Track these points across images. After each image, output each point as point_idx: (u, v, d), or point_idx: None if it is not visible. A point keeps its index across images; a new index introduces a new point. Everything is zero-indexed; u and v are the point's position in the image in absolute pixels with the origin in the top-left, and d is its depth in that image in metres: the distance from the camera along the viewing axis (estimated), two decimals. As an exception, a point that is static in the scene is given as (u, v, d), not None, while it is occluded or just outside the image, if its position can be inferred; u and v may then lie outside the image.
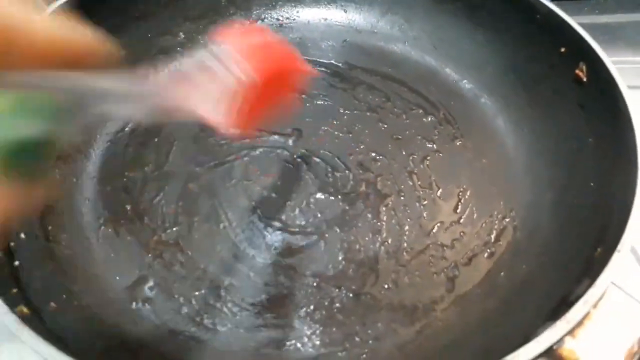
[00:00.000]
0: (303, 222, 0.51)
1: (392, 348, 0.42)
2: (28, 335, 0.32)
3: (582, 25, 0.51)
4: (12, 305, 0.35)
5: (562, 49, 0.53)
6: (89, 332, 0.40)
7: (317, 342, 0.43)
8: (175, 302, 0.45)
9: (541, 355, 0.33)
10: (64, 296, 0.43)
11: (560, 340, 0.33)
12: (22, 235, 0.45)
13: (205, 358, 0.41)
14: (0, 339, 0.44)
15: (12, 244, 0.43)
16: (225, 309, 0.45)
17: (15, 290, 0.39)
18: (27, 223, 0.46)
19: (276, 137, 0.57)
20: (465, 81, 0.62)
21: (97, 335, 0.41)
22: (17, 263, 0.42)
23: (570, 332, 0.33)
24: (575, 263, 0.41)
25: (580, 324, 0.33)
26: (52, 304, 0.41)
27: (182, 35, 0.65)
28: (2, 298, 0.34)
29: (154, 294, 0.45)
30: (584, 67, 0.51)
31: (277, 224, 0.50)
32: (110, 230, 0.50)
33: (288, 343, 0.43)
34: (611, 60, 0.48)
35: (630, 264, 0.50)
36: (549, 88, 0.55)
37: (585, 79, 0.51)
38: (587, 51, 0.50)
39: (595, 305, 0.34)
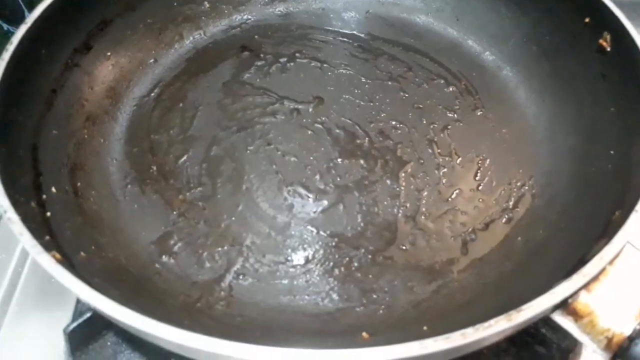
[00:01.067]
0: (322, 186, 0.52)
1: (407, 305, 0.43)
2: (62, 274, 0.34)
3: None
4: (46, 249, 0.36)
5: (587, 19, 0.53)
6: (117, 281, 0.42)
7: (336, 297, 0.44)
8: (199, 257, 0.46)
9: (557, 307, 0.34)
10: (93, 247, 0.44)
11: (575, 294, 0.33)
12: (53, 189, 0.46)
13: (227, 308, 0.43)
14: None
15: (44, 196, 0.45)
16: (247, 265, 0.46)
17: (48, 238, 0.40)
18: (58, 178, 0.48)
19: (298, 104, 0.58)
20: (487, 53, 0.62)
21: (124, 284, 0.42)
22: (49, 214, 0.44)
23: (586, 286, 0.34)
24: (593, 227, 0.41)
25: (595, 279, 0.34)
26: (82, 253, 0.42)
27: (206, 4, 0.66)
28: (38, 242, 0.36)
29: (178, 248, 0.47)
30: (608, 37, 0.51)
31: (297, 186, 0.51)
32: (136, 188, 0.51)
33: (307, 297, 0.44)
34: (636, 31, 0.48)
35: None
36: (571, 58, 0.55)
37: (609, 49, 0.51)
38: (611, 21, 0.50)
39: (611, 262, 0.35)
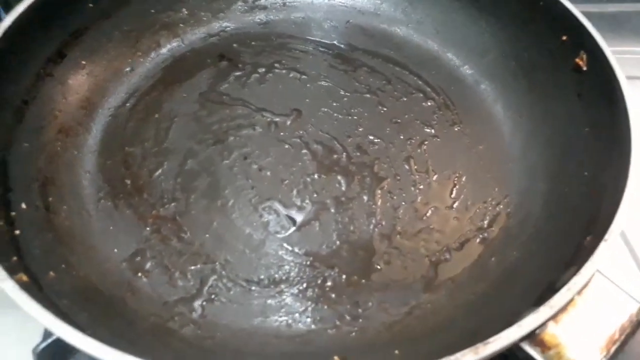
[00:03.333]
0: (299, 202, 0.51)
1: (380, 327, 0.43)
2: (26, 302, 0.33)
3: (588, 14, 0.51)
4: (11, 272, 0.36)
5: (564, 37, 0.53)
6: (86, 302, 0.41)
7: (308, 319, 0.44)
8: (171, 275, 0.46)
9: (524, 338, 0.34)
10: (63, 266, 0.44)
11: (543, 325, 0.34)
12: (23, 205, 0.46)
13: (198, 330, 0.42)
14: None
15: (13, 213, 0.44)
16: (220, 284, 0.46)
17: (15, 259, 0.40)
18: (28, 193, 0.47)
19: (275, 116, 0.57)
20: (466, 67, 0.62)
21: (94, 305, 0.42)
22: (17, 232, 0.43)
23: (554, 317, 0.34)
24: (564, 250, 0.42)
25: (563, 309, 0.34)
26: (51, 273, 0.42)
27: (185, 11, 0.65)
28: (2, 265, 0.35)
29: (150, 266, 0.46)
30: (585, 56, 0.51)
31: (273, 203, 0.51)
32: (109, 203, 0.50)
33: (279, 319, 0.44)
34: (614, 50, 0.48)
35: (620, 252, 0.51)
36: (548, 75, 0.55)
37: (585, 68, 0.51)
38: (588, 40, 0.50)
39: (579, 292, 0.35)
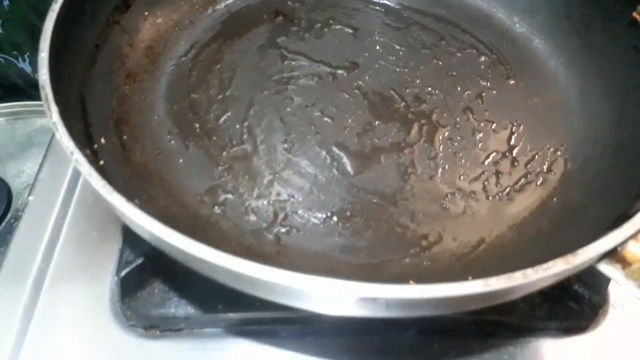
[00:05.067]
0: (361, 147, 0.53)
1: (451, 258, 0.45)
2: (132, 211, 0.35)
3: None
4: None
5: (620, -7, 0.54)
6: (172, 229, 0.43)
7: (380, 250, 0.45)
8: (246, 209, 0.48)
9: (606, 255, 0.35)
10: (144, 196, 0.45)
11: (624, 242, 0.35)
12: (102, 140, 0.47)
13: (277, 255, 0.44)
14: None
15: (95, 146, 0.46)
16: (292, 219, 0.47)
17: (105, 183, 0.41)
18: (105, 130, 0.49)
19: (333, 68, 0.59)
20: (517, 25, 0.64)
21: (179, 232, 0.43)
22: (102, 162, 0.44)
23: (634, 235, 0.35)
24: (630, 188, 0.43)
25: (643, 229, 0.36)
26: (136, 200, 0.43)
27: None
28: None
29: (226, 200, 0.48)
30: (642, 10, 0.52)
31: (337, 146, 0.53)
32: (180, 144, 0.52)
33: (352, 250, 0.45)
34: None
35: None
36: (603, 31, 0.56)
37: (642, 22, 0.52)
38: (646, -6, 0.51)
39: (658, 215, 0.36)
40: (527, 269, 0.33)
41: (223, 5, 0.65)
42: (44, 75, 0.42)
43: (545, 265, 0.33)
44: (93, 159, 0.44)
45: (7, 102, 0.80)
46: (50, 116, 0.40)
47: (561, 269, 0.33)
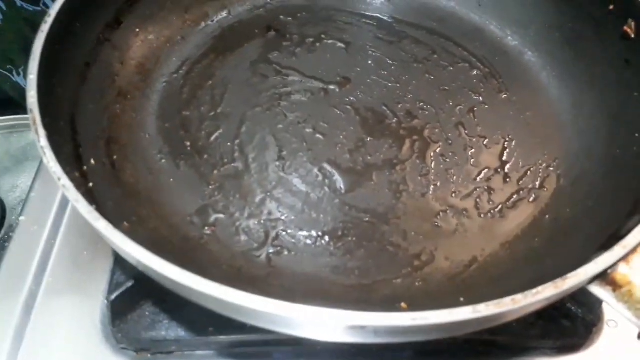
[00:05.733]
0: (353, 164, 0.53)
1: (443, 279, 0.45)
2: (121, 239, 0.35)
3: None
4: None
5: (611, 6, 0.54)
6: (160, 252, 0.42)
7: (373, 270, 0.45)
8: (237, 229, 0.47)
9: (596, 277, 0.35)
10: (134, 218, 0.45)
11: (615, 265, 0.35)
12: (92, 161, 0.47)
13: (267, 277, 0.44)
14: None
15: (85, 167, 0.46)
16: (283, 238, 0.47)
17: (94, 207, 0.41)
18: (95, 150, 0.49)
19: (325, 84, 0.59)
20: (510, 38, 0.64)
21: (167, 255, 0.43)
22: (91, 185, 0.44)
23: (625, 257, 0.35)
24: (623, 204, 0.43)
25: (634, 251, 0.35)
26: (125, 223, 0.43)
27: (232, -17, 0.66)
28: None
29: (217, 220, 0.48)
30: (633, 24, 0.52)
31: (328, 164, 0.52)
32: (171, 163, 0.52)
33: (344, 270, 0.45)
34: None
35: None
36: (595, 45, 0.56)
37: (633, 35, 0.52)
38: (636, 8, 0.51)
39: (648, 236, 0.36)
40: (516, 294, 0.32)
41: (215, 20, 0.65)
42: (32, 98, 0.42)
43: (534, 291, 0.33)
44: (82, 181, 0.44)
45: (1, 115, 0.79)
46: (38, 140, 0.39)
47: (551, 294, 0.33)
